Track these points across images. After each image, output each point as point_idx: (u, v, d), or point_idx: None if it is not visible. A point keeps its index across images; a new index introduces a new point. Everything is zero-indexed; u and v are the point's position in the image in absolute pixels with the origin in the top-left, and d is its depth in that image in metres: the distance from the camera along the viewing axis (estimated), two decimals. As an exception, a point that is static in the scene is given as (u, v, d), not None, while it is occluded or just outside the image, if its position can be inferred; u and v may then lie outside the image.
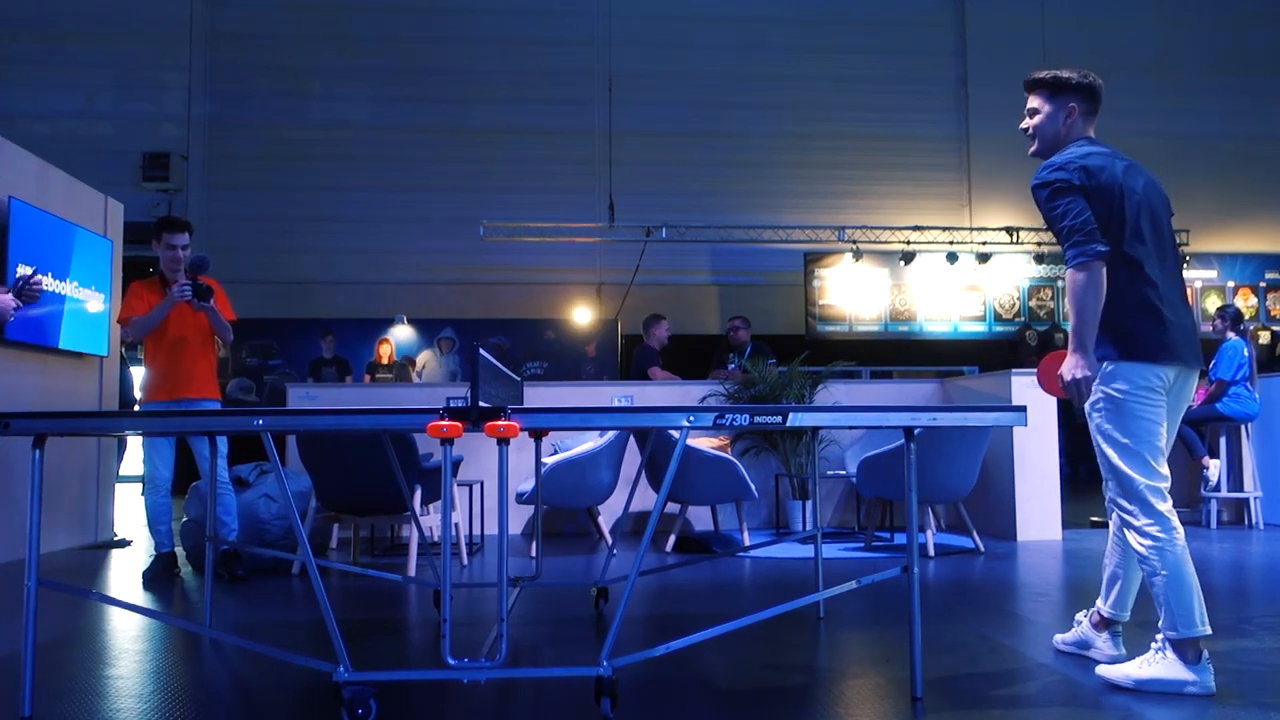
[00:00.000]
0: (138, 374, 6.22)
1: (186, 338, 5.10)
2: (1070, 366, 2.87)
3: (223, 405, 5.78)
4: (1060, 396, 2.99)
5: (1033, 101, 3.10)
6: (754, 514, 7.34)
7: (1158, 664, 2.78)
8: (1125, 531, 2.90)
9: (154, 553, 5.25)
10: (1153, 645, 2.83)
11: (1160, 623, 2.80)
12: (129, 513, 8.58)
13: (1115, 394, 2.87)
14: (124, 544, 6.71)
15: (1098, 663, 3.05)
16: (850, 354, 10.17)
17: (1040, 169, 2.97)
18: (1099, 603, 3.18)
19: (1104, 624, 3.18)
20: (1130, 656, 3.00)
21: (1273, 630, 3.66)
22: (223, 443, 5.14)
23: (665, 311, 8.85)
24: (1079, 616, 3.29)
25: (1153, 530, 2.79)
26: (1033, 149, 3.12)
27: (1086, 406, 2.96)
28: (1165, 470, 2.86)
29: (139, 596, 4.68)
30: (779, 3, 13.79)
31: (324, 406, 6.97)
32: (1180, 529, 2.82)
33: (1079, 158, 2.95)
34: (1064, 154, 2.99)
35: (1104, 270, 2.82)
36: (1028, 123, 3.11)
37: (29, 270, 4.78)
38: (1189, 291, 12.96)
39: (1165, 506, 2.81)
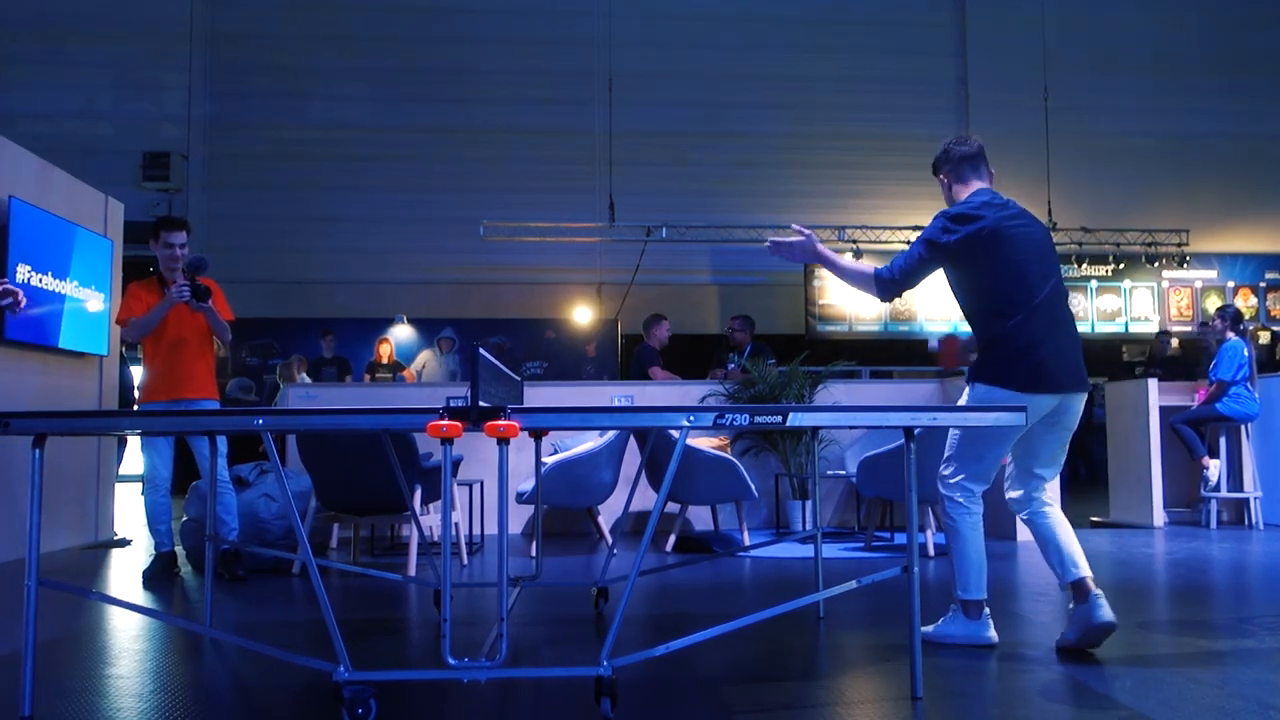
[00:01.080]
0: (138, 373, 6.23)
1: (185, 339, 5.08)
2: (807, 247, 3.43)
3: (221, 405, 5.77)
4: (953, 367, 3.59)
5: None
6: (754, 514, 7.34)
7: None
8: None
9: (154, 552, 5.25)
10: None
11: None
12: (129, 512, 8.58)
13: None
14: (124, 543, 6.71)
15: (1099, 661, 3.05)
16: (850, 354, 10.18)
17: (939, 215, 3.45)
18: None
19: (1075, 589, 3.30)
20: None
21: (1273, 630, 3.66)
22: (222, 442, 5.15)
23: (665, 311, 8.85)
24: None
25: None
26: None
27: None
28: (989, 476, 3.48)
29: (139, 596, 4.68)
30: (779, 3, 13.79)
31: (324, 406, 6.97)
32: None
33: (967, 209, 3.40)
34: (963, 204, 3.47)
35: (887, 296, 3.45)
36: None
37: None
38: (1190, 291, 13.05)
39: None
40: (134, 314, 5.03)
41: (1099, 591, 3.21)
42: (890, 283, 3.37)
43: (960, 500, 3.46)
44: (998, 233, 3.27)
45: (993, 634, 3.36)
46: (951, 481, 3.48)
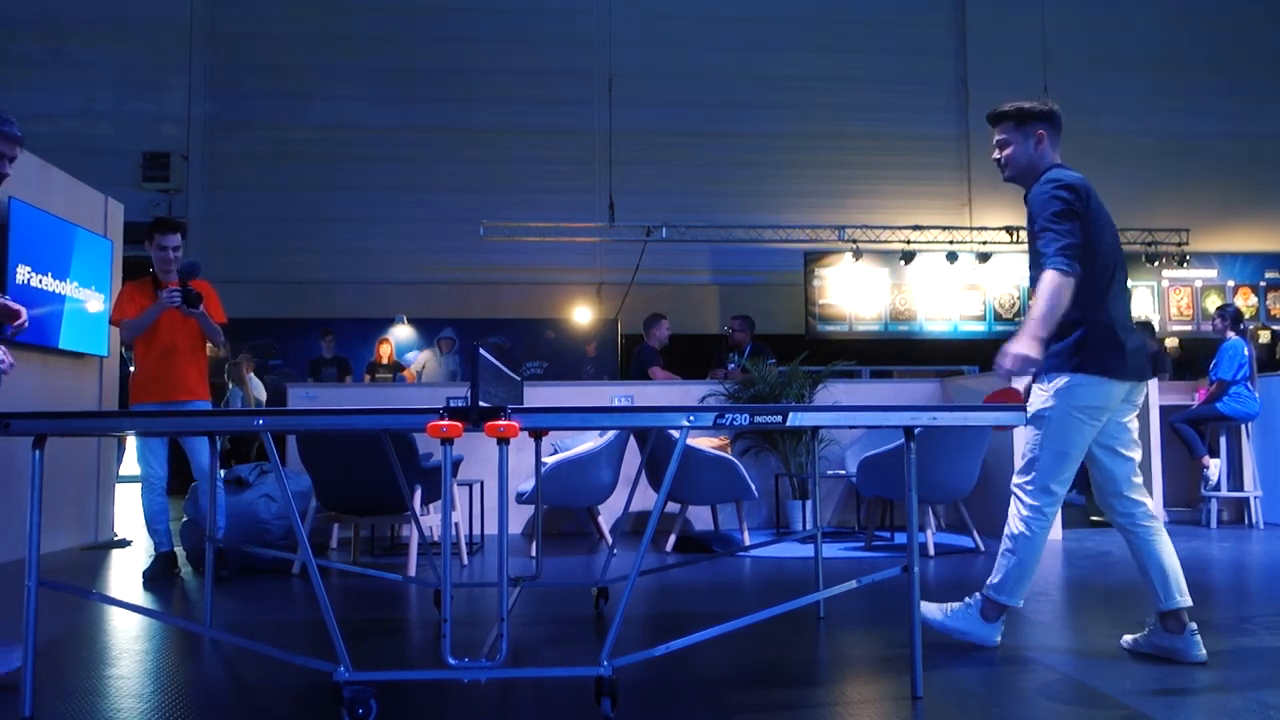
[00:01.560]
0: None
1: (177, 343, 5.12)
2: (1023, 347, 3.01)
3: (214, 406, 5.79)
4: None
5: (999, 134, 3.33)
6: (754, 514, 7.34)
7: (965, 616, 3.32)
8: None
9: (154, 553, 5.25)
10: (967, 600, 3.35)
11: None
12: (129, 513, 8.58)
13: (1065, 406, 3.13)
14: (124, 544, 6.71)
15: (1099, 661, 3.05)
16: (850, 354, 10.18)
17: (1045, 184, 3.17)
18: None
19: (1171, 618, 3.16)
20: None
21: (1273, 630, 3.66)
22: (202, 440, 5.15)
23: (665, 311, 8.85)
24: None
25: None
26: (1006, 175, 3.38)
27: (1032, 407, 3.21)
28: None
29: (139, 596, 4.68)
30: (779, 3, 13.79)
31: (324, 406, 6.97)
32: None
33: (1082, 182, 3.18)
34: (1068, 174, 3.19)
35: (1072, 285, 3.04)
36: (999, 154, 3.35)
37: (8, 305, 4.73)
38: (1190, 290, 13.06)
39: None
40: (126, 315, 5.07)
41: (1194, 625, 3.14)
42: (1074, 275, 3.04)
43: (1043, 507, 3.26)
44: (1092, 211, 3.18)
45: (999, 638, 3.35)
46: (1034, 488, 3.26)
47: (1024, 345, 3.00)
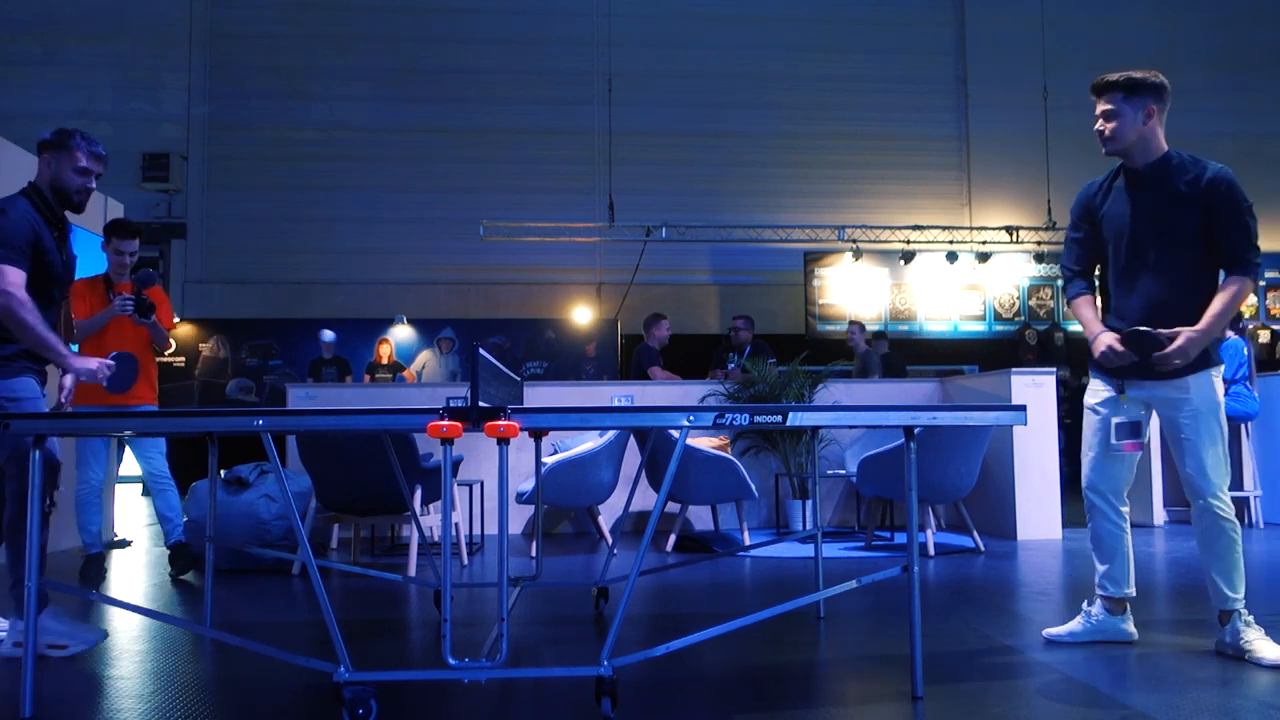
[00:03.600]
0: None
1: (124, 344, 5.08)
2: (1197, 344, 3.02)
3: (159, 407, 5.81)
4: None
5: (1105, 104, 3.19)
6: (754, 513, 7.34)
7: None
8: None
9: (86, 554, 5.24)
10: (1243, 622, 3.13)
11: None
12: (129, 513, 8.58)
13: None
14: (124, 544, 6.70)
15: (1099, 662, 3.05)
16: (850, 353, 10.18)
17: (1224, 173, 3.14)
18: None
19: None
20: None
21: (1273, 629, 3.66)
22: (162, 441, 5.33)
23: (665, 311, 8.86)
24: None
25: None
26: (1108, 149, 3.24)
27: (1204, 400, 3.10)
28: None
29: (139, 597, 4.68)
30: (779, 3, 13.79)
31: (324, 406, 6.97)
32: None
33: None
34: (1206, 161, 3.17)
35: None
36: (1104, 125, 3.20)
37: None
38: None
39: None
40: (77, 315, 5.11)
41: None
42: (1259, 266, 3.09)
43: (1230, 505, 3.27)
44: None
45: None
46: (1224, 493, 3.26)
47: (1200, 344, 3.03)
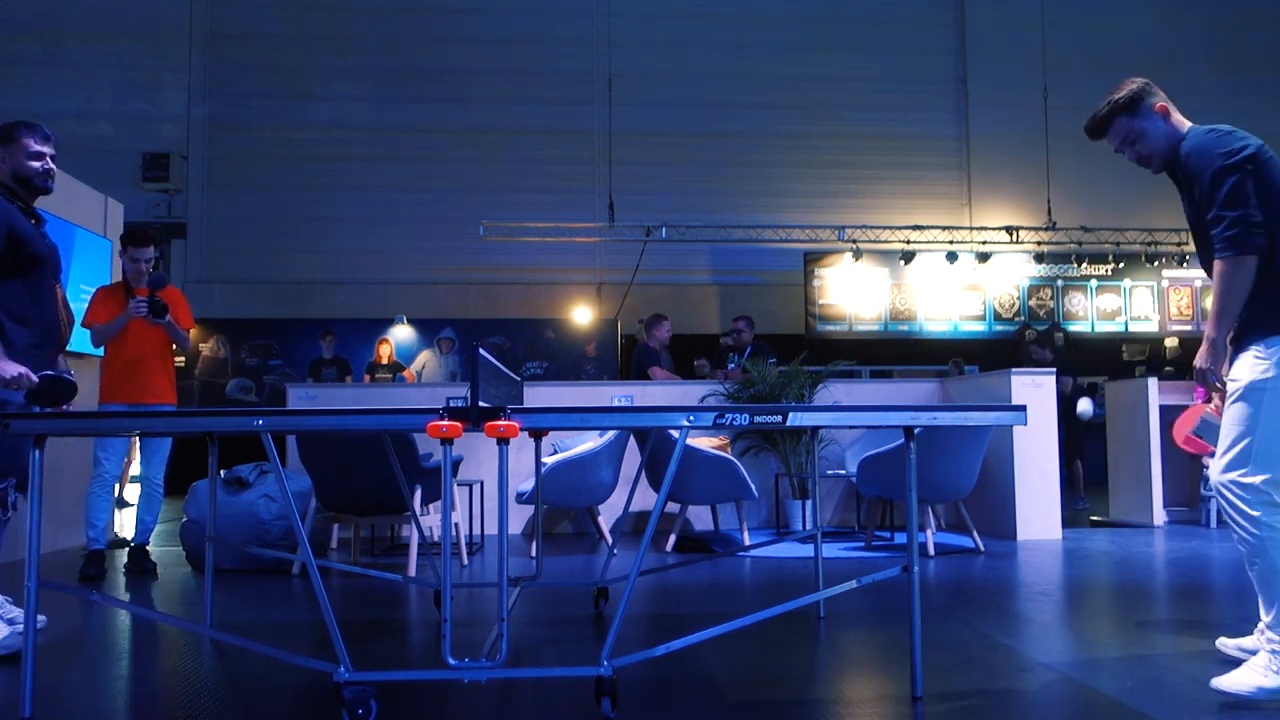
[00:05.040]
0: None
1: (145, 349, 5.27)
2: (1201, 356, 2.77)
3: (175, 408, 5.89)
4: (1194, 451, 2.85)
5: (1115, 137, 2.97)
6: (754, 513, 7.34)
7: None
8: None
9: (89, 550, 5.23)
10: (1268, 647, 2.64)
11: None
12: (129, 513, 8.58)
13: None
14: (125, 544, 6.70)
15: (1100, 662, 3.05)
16: (850, 353, 10.18)
17: (1206, 153, 2.76)
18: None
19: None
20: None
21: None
22: (165, 444, 5.43)
23: (665, 311, 8.86)
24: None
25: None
26: (1154, 170, 2.99)
27: (1244, 378, 2.71)
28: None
29: (139, 597, 4.68)
30: (779, 3, 13.79)
31: (324, 406, 6.97)
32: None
33: (1247, 141, 2.77)
34: (1220, 137, 2.79)
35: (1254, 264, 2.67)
36: (1133, 153, 2.97)
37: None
38: (1190, 290, 13.06)
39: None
40: (97, 320, 5.21)
41: None
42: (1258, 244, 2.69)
43: (1241, 498, 2.67)
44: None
45: None
46: (1235, 481, 2.67)
47: (1204, 354, 2.76)
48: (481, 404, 2.68)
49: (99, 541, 5.24)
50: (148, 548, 5.45)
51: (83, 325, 5.32)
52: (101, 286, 5.53)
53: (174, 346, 5.48)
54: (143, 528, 5.42)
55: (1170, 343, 12.09)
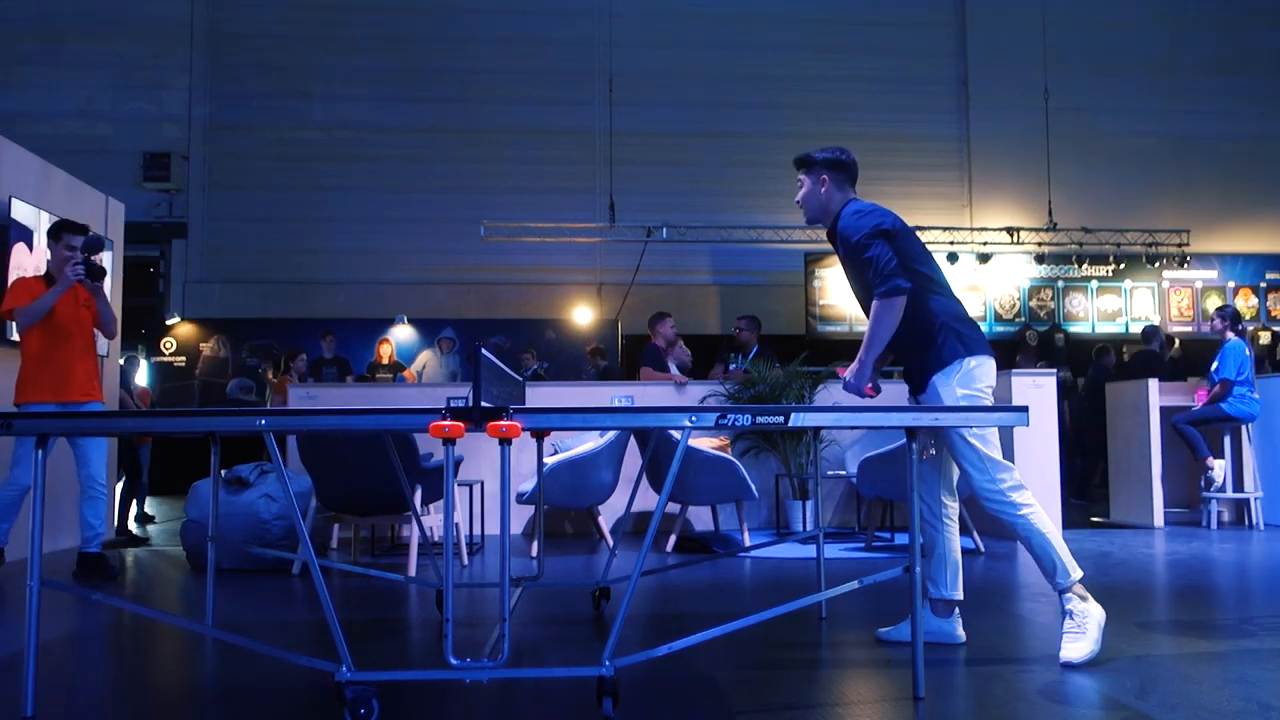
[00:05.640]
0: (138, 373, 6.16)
1: (72, 339, 4.92)
2: (851, 371, 3.38)
3: (104, 406, 5.58)
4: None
5: (798, 176, 3.48)
6: (754, 514, 7.34)
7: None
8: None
9: (84, 552, 5.06)
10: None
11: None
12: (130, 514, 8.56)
13: (976, 391, 3.28)
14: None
15: (1100, 662, 3.05)
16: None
17: (848, 220, 3.33)
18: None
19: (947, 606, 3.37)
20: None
21: (1273, 630, 3.67)
22: (103, 444, 5.11)
23: (666, 311, 8.84)
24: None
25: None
26: (806, 217, 3.52)
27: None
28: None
29: (140, 596, 4.68)
30: (779, 3, 13.79)
31: (325, 406, 6.97)
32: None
33: (876, 211, 3.35)
34: (862, 206, 3.38)
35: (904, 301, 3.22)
36: (797, 196, 3.49)
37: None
38: (1190, 291, 13.07)
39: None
40: (20, 303, 4.83)
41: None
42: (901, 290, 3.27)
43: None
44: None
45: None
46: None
47: (852, 371, 3.47)
48: (483, 404, 2.68)
49: (95, 544, 5.12)
50: (103, 556, 5.12)
51: (1, 313, 4.97)
52: (21, 277, 5.11)
53: (102, 328, 5.09)
54: (93, 534, 5.06)
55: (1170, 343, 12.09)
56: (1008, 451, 6.32)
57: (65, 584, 4.45)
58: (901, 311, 3.23)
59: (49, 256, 5.08)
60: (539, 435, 4.27)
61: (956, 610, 3.38)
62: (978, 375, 3.29)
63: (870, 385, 3.48)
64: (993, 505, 3.25)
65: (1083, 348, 12.35)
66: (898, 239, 3.31)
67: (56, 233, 5.03)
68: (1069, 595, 3.10)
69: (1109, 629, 3.13)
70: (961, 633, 3.37)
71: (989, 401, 3.32)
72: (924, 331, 3.30)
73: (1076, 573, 3.11)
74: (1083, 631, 3.05)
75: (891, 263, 3.23)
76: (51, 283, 4.91)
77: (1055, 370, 7.49)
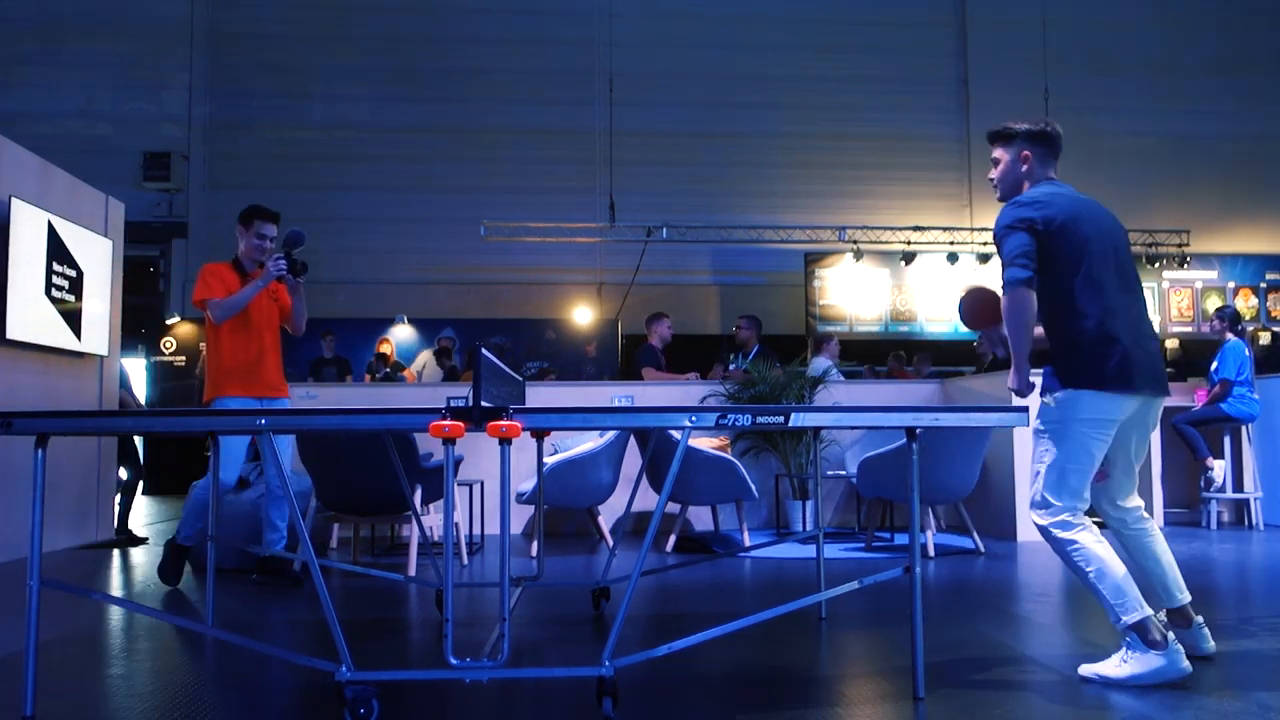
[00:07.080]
0: (133, 371, 6.09)
1: (265, 334, 4.78)
2: (1010, 376, 3.12)
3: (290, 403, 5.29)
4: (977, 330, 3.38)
5: (994, 152, 3.34)
6: (754, 514, 7.34)
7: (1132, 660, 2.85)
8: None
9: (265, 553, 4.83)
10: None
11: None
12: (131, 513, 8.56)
13: (1063, 419, 3.01)
14: (141, 541, 6.70)
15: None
16: (850, 354, 10.16)
17: (1003, 211, 3.20)
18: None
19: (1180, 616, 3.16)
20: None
21: (1273, 631, 3.67)
22: (288, 441, 4.92)
23: (665, 311, 8.84)
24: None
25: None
26: (997, 195, 3.37)
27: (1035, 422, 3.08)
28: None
29: (140, 596, 4.68)
30: (779, 3, 13.79)
31: (325, 406, 6.97)
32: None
33: (1040, 196, 3.18)
34: (1035, 195, 3.20)
35: (1030, 295, 3.00)
36: (992, 173, 3.37)
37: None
38: (1190, 292, 13.06)
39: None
40: (215, 294, 4.62)
41: (1200, 619, 3.17)
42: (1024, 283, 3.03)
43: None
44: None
45: (1186, 664, 2.86)
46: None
47: (1009, 379, 3.15)
48: (484, 404, 2.68)
49: (279, 544, 4.86)
50: (279, 557, 4.82)
51: (195, 303, 4.75)
52: (208, 263, 4.89)
53: (291, 324, 4.91)
54: (278, 536, 4.80)
55: (1170, 344, 12.09)
56: (1007, 452, 6.36)
57: (65, 584, 4.45)
58: (1027, 305, 2.98)
59: (240, 244, 4.91)
60: (539, 435, 4.27)
61: (1198, 618, 3.16)
62: (1065, 404, 3.00)
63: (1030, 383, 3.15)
64: (1036, 525, 3.12)
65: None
66: (1052, 237, 3.06)
67: (248, 219, 4.87)
68: (1127, 636, 2.88)
69: (1109, 630, 3.12)
70: (1211, 644, 3.14)
71: (1084, 433, 2.99)
72: (1054, 343, 3.09)
73: (1131, 615, 2.86)
74: (1121, 663, 2.87)
75: (1014, 253, 3.03)
76: (239, 268, 4.79)
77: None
